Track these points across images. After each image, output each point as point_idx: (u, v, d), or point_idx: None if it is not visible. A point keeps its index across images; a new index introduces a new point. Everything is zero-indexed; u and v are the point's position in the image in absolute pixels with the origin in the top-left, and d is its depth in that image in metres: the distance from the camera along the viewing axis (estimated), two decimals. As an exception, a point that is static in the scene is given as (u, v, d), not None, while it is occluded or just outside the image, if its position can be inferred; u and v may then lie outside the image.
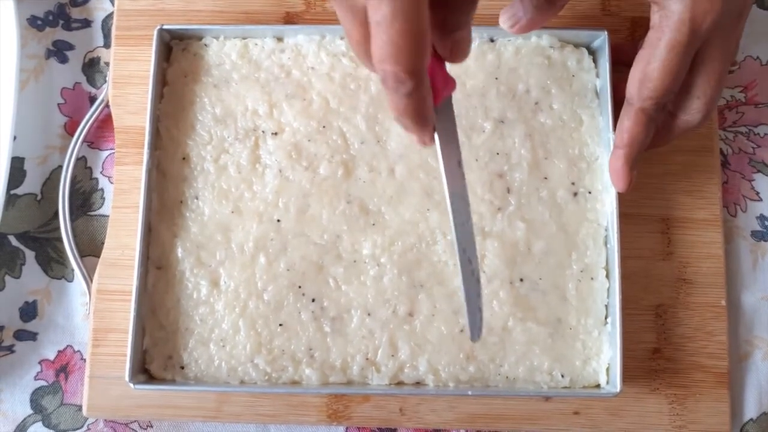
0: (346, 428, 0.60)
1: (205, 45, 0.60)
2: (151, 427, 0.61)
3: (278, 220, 0.57)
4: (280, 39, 0.60)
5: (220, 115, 0.59)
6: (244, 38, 0.60)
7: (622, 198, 0.57)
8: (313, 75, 0.60)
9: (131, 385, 0.54)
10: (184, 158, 0.58)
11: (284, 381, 0.56)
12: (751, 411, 0.60)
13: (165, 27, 0.59)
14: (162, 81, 0.60)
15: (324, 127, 0.59)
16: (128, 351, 0.54)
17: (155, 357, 0.56)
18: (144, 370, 0.56)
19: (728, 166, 0.64)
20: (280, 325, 0.56)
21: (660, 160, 0.61)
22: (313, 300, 0.56)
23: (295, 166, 0.58)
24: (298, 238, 0.57)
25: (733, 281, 0.62)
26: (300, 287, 0.56)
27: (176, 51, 0.61)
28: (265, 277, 0.57)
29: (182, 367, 0.56)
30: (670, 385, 0.59)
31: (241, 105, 0.59)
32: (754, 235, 0.63)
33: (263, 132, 0.59)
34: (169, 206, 0.58)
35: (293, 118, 0.59)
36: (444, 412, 0.59)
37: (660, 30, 0.48)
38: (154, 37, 0.58)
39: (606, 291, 0.56)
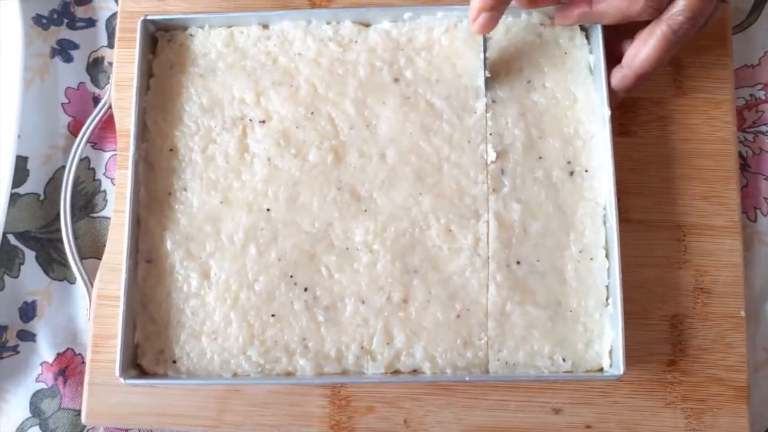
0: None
1: (191, 35, 0.60)
2: (151, 434, 0.60)
3: (268, 210, 0.56)
4: (265, 26, 0.60)
5: (206, 104, 0.59)
6: (229, 27, 0.60)
7: (634, 204, 0.55)
8: (300, 61, 0.59)
9: (122, 379, 0.53)
10: (171, 150, 0.58)
11: (278, 372, 0.54)
12: None
13: (149, 18, 0.58)
14: (148, 73, 0.59)
15: (312, 113, 0.58)
16: (118, 345, 0.53)
17: (147, 351, 0.55)
18: (136, 365, 0.55)
19: (748, 169, 0.62)
20: (273, 315, 0.55)
21: (675, 164, 0.59)
22: (306, 289, 0.55)
23: (284, 153, 0.57)
24: (288, 227, 0.56)
25: (752, 290, 0.60)
26: (292, 277, 0.55)
27: (162, 42, 0.60)
28: (256, 268, 0.56)
29: (174, 361, 0.55)
30: (686, 398, 0.57)
31: (227, 94, 0.59)
32: (775, 241, 0.61)
33: (251, 120, 0.58)
34: (158, 199, 0.57)
35: (281, 105, 0.58)
36: (450, 424, 0.57)
37: None
38: (138, 29, 0.58)
39: (606, 271, 0.54)
